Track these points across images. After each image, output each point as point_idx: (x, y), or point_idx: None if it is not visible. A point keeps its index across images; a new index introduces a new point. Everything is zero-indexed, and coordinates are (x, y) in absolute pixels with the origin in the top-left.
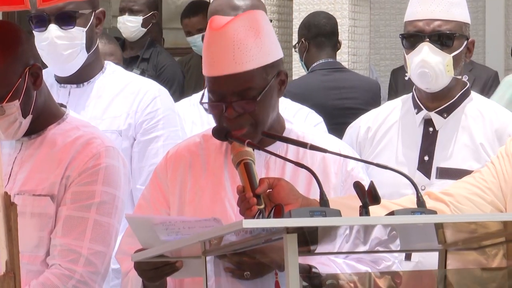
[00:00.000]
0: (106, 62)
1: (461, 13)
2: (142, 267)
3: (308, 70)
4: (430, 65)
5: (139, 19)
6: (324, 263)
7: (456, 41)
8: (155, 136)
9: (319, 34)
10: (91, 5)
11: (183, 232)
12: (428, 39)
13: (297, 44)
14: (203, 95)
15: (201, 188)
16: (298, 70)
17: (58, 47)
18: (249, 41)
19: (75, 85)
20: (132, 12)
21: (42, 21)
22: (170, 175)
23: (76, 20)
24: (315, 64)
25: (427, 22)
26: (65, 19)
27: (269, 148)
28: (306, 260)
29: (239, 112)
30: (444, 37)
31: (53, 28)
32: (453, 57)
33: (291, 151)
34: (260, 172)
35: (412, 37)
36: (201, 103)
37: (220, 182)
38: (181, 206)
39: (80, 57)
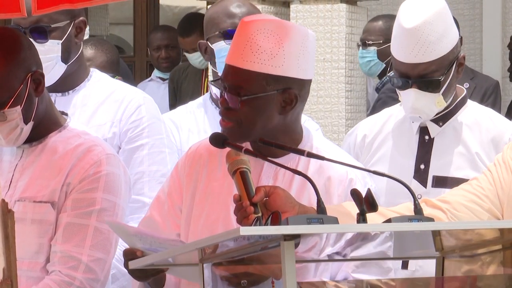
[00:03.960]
0: (92, 69)
1: (446, 44)
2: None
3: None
4: (420, 110)
5: None
6: (316, 285)
7: (443, 76)
8: (140, 144)
9: None
10: (70, 15)
11: (156, 245)
12: (414, 84)
13: (375, 43)
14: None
15: (212, 191)
16: None
17: None
18: (264, 44)
19: (60, 94)
20: None
21: None
22: (187, 171)
23: (50, 33)
24: None
25: (411, 66)
26: (39, 32)
27: (281, 159)
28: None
29: (227, 105)
30: (430, 82)
31: None
32: (443, 91)
33: (300, 167)
34: (268, 183)
35: (399, 79)
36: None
37: (230, 187)
38: (191, 205)
39: (57, 69)
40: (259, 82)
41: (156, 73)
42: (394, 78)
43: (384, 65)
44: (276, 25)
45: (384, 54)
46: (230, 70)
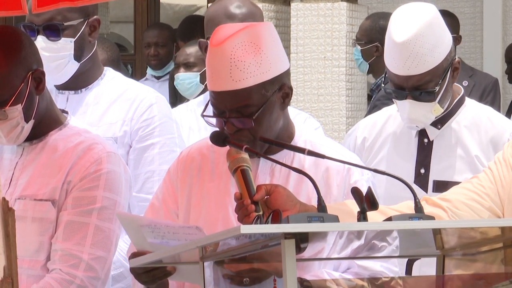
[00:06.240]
0: (106, 68)
1: (438, 54)
2: (135, 271)
3: (367, 73)
4: (416, 120)
5: None
6: (320, 277)
7: (438, 86)
8: (151, 143)
9: None
10: (84, 13)
11: (168, 237)
12: (409, 96)
13: (359, 43)
14: (205, 107)
15: (208, 193)
16: (296, 76)
17: (45, 59)
18: (247, 58)
19: (73, 91)
20: None
21: (31, 32)
22: (180, 176)
23: (63, 31)
24: None
25: (405, 78)
26: (52, 30)
27: (275, 156)
28: (300, 273)
29: (237, 127)
30: (425, 93)
31: (40, 39)
32: (439, 99)
33: (296, 161)
34: (264, 179)
35: (394, 90)
36: (202, 115)
37: (226, 187)
38: (188, 208)
39: (70, 67)
40: (259, 93)
41: (149, 71)
42: (389, 89)
43: (368, 65)
44: (246, 33)
45: (367, 54)
46: (225, 95)
